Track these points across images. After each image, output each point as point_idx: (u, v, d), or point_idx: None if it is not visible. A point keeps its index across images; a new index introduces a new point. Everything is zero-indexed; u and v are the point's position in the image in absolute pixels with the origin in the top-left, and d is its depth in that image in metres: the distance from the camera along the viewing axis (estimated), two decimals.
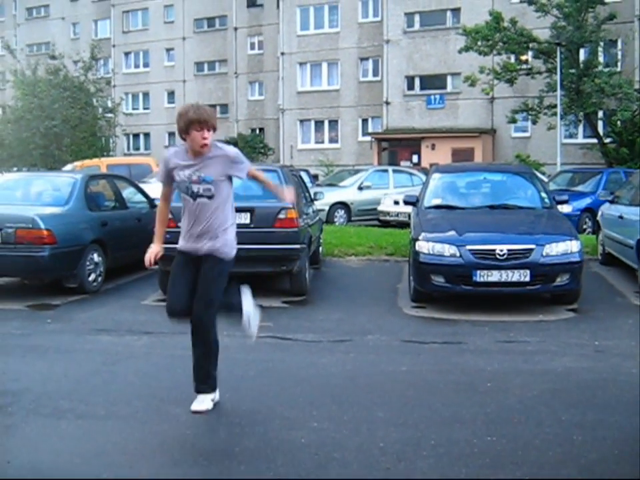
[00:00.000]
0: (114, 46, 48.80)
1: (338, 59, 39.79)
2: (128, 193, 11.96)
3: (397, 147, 36.83)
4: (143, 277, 11.24)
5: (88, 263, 9.81)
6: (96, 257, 10.01)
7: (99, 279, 10.12)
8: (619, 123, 27.17)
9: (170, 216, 8.99)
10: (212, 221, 5.08)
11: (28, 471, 4.23)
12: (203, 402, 5.17)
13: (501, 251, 8.39)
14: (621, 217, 10.77)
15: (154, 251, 5.28)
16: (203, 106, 5.05)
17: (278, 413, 5.13)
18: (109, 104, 28.21)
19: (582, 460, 4.30)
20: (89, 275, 9.85)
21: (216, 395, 5.27)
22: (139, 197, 12.14)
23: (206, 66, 47.01)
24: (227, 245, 5.14)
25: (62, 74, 25.73)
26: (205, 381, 5.20)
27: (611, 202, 11.87)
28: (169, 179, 5.19)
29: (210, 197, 5.05)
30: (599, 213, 12.84)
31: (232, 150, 5.16)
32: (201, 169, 5.02)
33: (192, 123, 4.90)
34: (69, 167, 22.31)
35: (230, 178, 5.15)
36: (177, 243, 5.31)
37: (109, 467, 4.26)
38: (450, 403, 5.36)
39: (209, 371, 5.20)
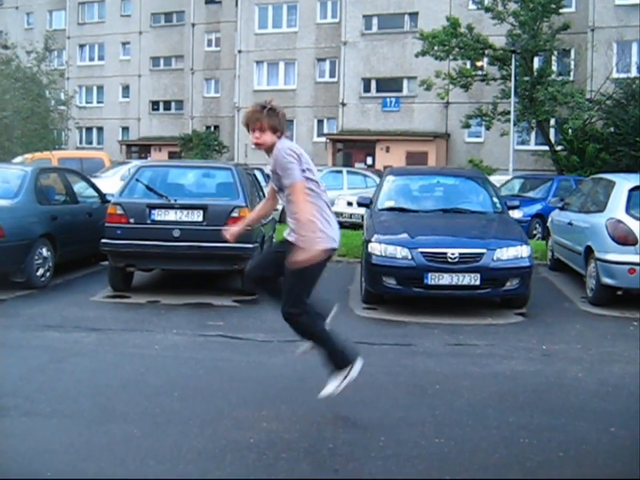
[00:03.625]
0: (69, 37, 48.14)
1: (295, 59, 39.82)
2: (79, 187, 11.79)
3: (352, 149, 36.99)
4: (93, 272, 11.11)
5: (36, 257, 9.64)
6: (45, 252, 9.84)
7: (48, 273, 9.94)
8: (570, 131, 27.67)
9: (121, 211, 9.01)
10: None
11: None
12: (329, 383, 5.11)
13: (452, 254, 8.45)
14: (570, 224, 10.94)
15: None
16: (254, 105, 4.99)
17: (226, 413, 5.10)
18: (62, 96, 27.83)
19: (528, 462, 4.36)
20: (37, 270, 9.67)
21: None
22: (91, 192, 11.98)
23: (162, 61, 46.65)
24: None
25: (14, 64, 25.30)
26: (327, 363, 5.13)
27: (561, 208, 12.04)
28: None
29: None
30: (549, 219, 13.03)
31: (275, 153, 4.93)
32: None
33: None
34: (19, 159, 21.91)
35: None
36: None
37: (52, 465, 4.19)
38: (399, 405, 5.39)
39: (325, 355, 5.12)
